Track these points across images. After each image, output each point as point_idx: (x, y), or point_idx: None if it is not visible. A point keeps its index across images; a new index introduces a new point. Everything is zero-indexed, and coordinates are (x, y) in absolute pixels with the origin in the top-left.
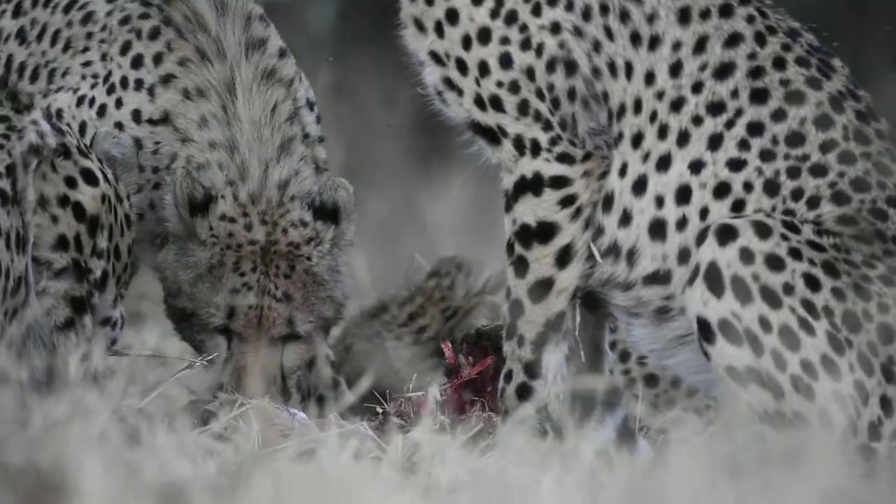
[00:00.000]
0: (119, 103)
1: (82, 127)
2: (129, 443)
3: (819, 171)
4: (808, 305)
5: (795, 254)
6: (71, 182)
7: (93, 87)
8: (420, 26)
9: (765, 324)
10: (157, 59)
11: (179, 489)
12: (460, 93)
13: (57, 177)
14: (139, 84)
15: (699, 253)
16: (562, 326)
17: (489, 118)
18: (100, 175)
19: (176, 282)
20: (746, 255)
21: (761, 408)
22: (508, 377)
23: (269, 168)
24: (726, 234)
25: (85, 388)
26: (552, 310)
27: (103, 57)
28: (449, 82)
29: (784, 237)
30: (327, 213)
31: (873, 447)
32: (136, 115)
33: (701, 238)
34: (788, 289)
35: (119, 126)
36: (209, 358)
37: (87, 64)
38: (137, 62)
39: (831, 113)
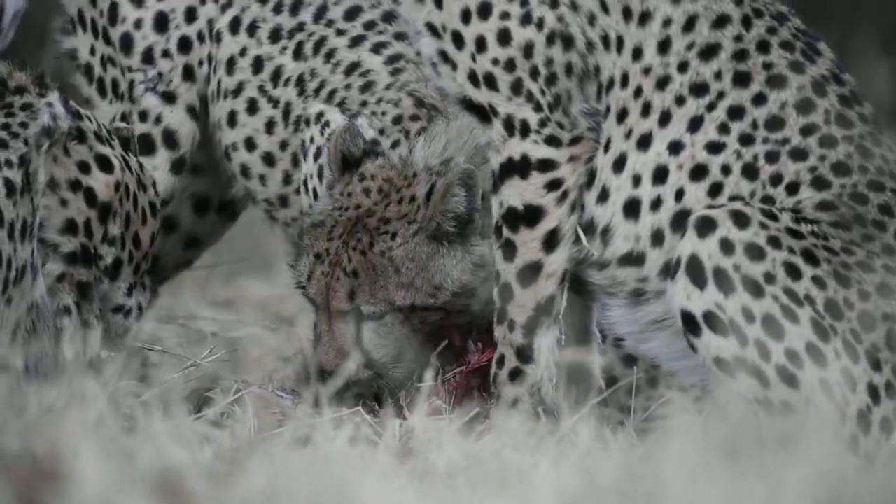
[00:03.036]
0: None
1: None
2: (126, 429)
3: (799, 154)
4: (790, 294)
5: (775, 242)
6: (84, 167)
7: None
8: None
9: (748, 314)
10: None
11: (176, 475)
12: (454, 67)
13: (69, 160)
14: None
15: (679, 246)
16: (552, 310)
17: (482, 96)
18: (117, 163)
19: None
20: (726, 246)
21: (752, 396)
22: (501, 362)
23: (445, 150)
24: (705, 226)
25: (82, 375)
26: (542, 294)
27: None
28: (444, 55)
29: (763, 226)
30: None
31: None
32: None
33: (676, 223)
34: (769, 278)
35: None
36: (212, 357)
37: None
38: None
39: (813, 97)
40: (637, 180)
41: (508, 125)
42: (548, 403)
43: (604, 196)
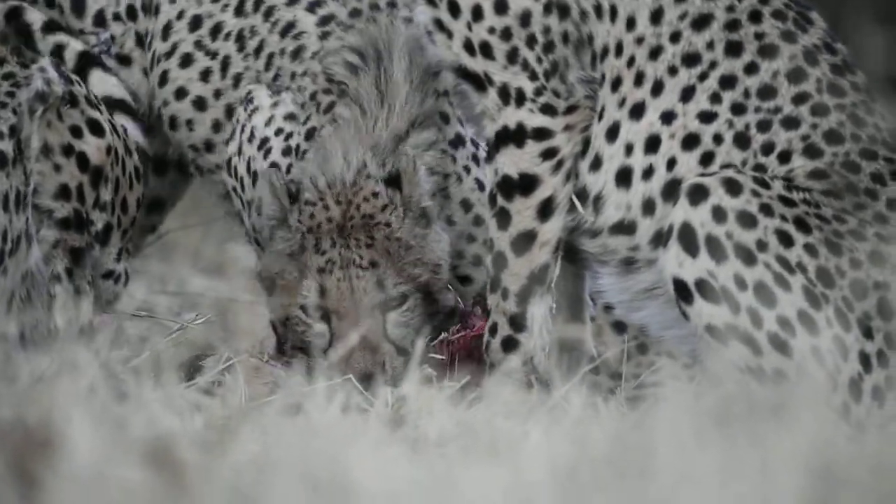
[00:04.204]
0: (289, 170)
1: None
2: (117, 398)
3: (791, 123)
4: (782, 261)
5: (767, 210)
6: (76, 131)
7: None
8: None
9: (740, 281)
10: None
11: (167, 444)
12: (450, 35)
13: (62, 125)
14: (304, 153)
15: (672, 213)
16: (546, 279)
17: (477, 64)
18: (107, 126)
19: (269, 276)
20: (719, 214)
21: (743, 364)
22: (493, 330)
23: (349, 159)
24: (698, 194)
25: (76, 341)
26: (536, 262)
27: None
28: (439, 24)
29: (755, 193)
30: (395, 181)
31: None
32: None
33: (668, 192)
34: (762, 245)
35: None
36: (201, 321)
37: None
38: (310, 134)
39: (805, 66)
40: (629, 149)
41: (504, 94)
42: (540, 372)
43: (596, 164)
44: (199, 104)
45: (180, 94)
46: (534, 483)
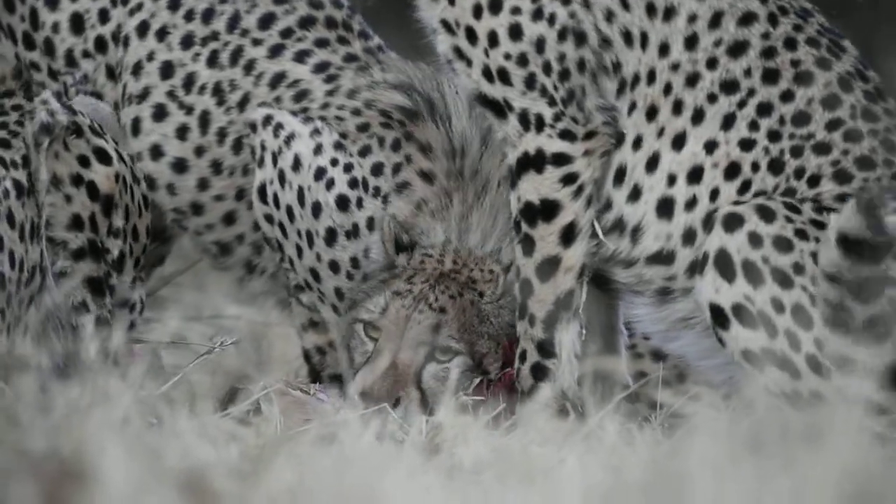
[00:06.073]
0: (360, 203)
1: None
2: (151, 428)
3: (823, 149)
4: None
5: (801, 234)
6: (84, 161)
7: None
8: None
9: (777, 305)
10: (397, 168)
11: (201, 473)
12: (469, 63)
13: (70, 155)
14: (377, 191)
15: (707, 241)
16: (572, 304)
17: (496, 91)
18: (114, 154)
19: (358, 293)
20: (755, 239)
21: (779, 389)
22: (522, 357)
23: (486, 240)
24: (733, 221)
25: (105, 372)
26: (561, 288)
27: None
28: (458, 51)
29: (788, 219)
30: (508, 267)
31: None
32: (370, 222)
33: (707, 222)
34: (798, 268)
35: (354, 228)
36: (230, 343)
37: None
38: (378, 170)
39: (839, 93)
40: (672, 180)
41: (524, 120)
42: (570, 397)
43: (635, 195)
44: (179, 166)
45: (156, 152)
46: None
